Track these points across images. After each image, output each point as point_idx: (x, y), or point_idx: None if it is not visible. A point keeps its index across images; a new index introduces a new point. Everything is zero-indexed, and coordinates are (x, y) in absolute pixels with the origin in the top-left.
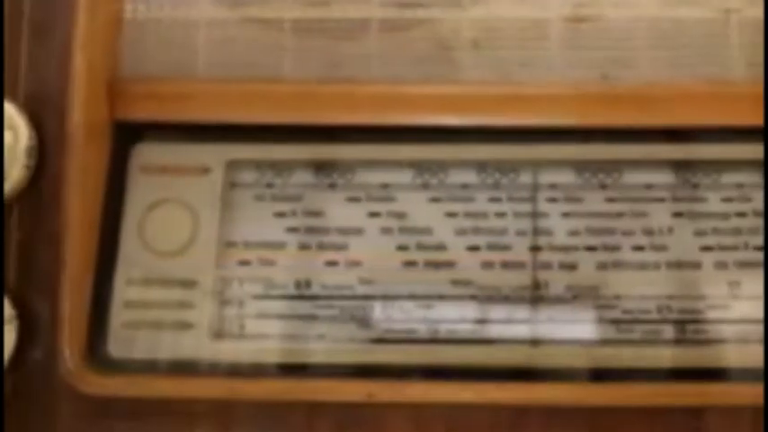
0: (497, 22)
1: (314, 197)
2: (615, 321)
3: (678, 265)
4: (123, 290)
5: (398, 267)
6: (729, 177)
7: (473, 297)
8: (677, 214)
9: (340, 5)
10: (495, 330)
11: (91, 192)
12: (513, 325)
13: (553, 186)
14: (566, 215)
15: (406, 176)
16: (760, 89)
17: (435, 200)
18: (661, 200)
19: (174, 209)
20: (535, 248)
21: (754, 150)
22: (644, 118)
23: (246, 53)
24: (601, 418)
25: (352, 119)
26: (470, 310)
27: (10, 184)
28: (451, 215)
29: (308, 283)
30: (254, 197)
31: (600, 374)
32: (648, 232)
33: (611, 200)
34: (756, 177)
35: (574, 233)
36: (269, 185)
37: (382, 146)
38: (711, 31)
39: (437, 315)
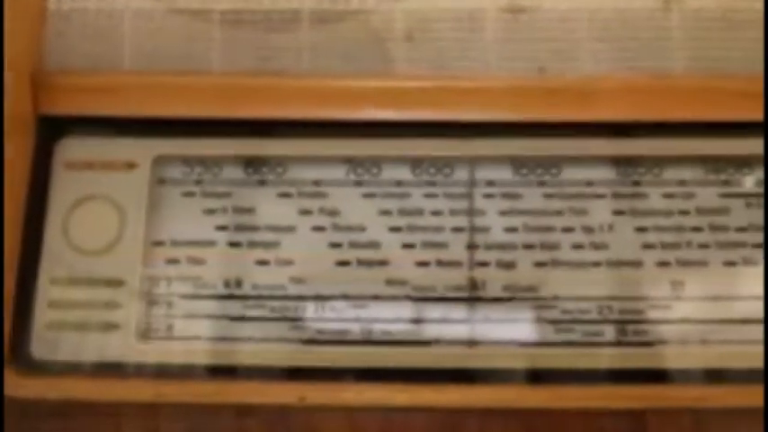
0: (432, 12)
1: (244, 194)
2: (554, 322)
3: (619, 263)
4: (47, 289)
5: (331, 266)
6: (671, 173)
7: (408, 297)
8: (618, 211)
9: None
10: (430, 331)
11: (14, 188)
12: (450, 325)
13: (490, 183)
14: (503, 212)
15: (338, 172)
16: (702, 82)
17: (369, 196)
18: (601, 196)
19: (100, 206)
20: (472, 247)
21: (696, 146)
22: (583, 112)
23: (174, 45)
24: (539, 421)
25: (283, 113)
26: (405, 310)
27: None
28: (386, 212)
29: (238, 283)
30: (182, 194)
31: (538, 376)
32: (588, 230)
33: (549, 196)
34: (699, 173)
35: (511, 231)
36: (197, 182)
37: (314, 141)
38: (653, 23)
39: (371, 315)
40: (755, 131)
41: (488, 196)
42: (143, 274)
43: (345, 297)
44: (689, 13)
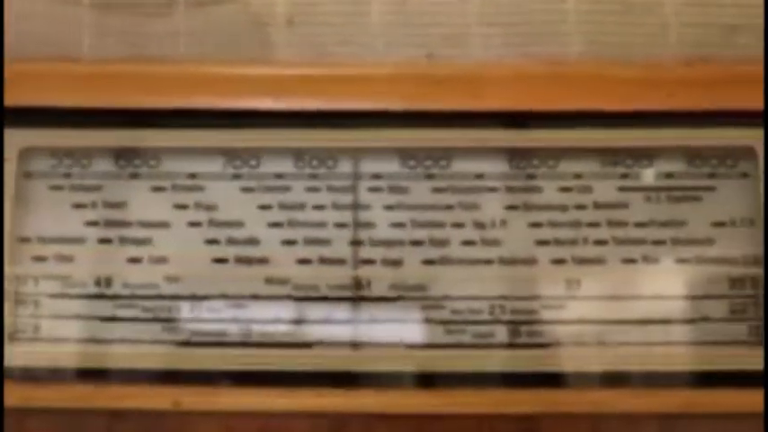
0: None
1: (115, 187)
2: (443, 322)
3: (511, 261)
4: None
5: (207, 264)
6: (567, 166)
7: (289, 296)
8: (511, 206)
9: None
10: (313, 332)
11: None
12: (333, 326)
13: (376, 176)
14: (389, 207)
15: (215, 165)
16: (599, 70)
17: (247, 190)
18: (493, 190)
19: None
20: (356, 243)
21: (593, 136)
22: (474, 101)
23: (42, 30)
24: (428, 427)
25: (157, 102)
26: (286, 311)
27: None
28: (265, 207)
29: (108, 282)
30: (50, 188)
31: (427, 380)
32: (479, 225)
33: (438, 190)
34: (596, 166)
35: (398, 227)
36: (66, 175)
37: (189, 131)
38: (547, 7)
39: (250, 316)
40: (654, 121)
41: (374, 190)
42: (8, 272)
43: (223, 296)
44: None
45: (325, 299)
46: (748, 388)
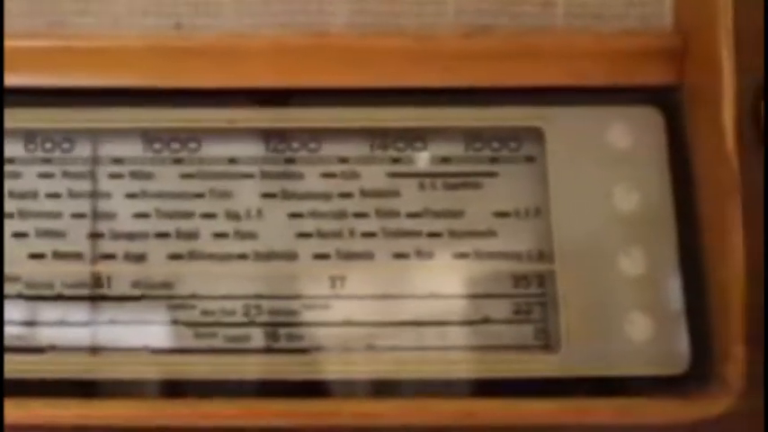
0: None
1: None
2: (192, 324)
3: (269, 256)
4: None
5: None
6: (331, 149)
7: (19, 295)
8: (268, 194)
9: None
10: (46, 335)
11: None
12: (69, 329)
13: (117, 160)
14: (132, 195)
15: None
16: (367, 42)
17: None
18: (248, 176)
19: None
20: (95, 236)
21: (359, 116)
22: (227, 76)
23: None
24: None
25: None
26: (16, 311)
27: None
28: None
29: None
30: None
31: (174, 388)
32: (233, 216)
33: (186, 176)
34: (363, 149)
35: (141, 217)
36: None
37: None
38: None
39: None
40: (428, 99)
41: (115, 176)
42: None
43: None
44: None
45: (60, 298)
46: (534, 397)
